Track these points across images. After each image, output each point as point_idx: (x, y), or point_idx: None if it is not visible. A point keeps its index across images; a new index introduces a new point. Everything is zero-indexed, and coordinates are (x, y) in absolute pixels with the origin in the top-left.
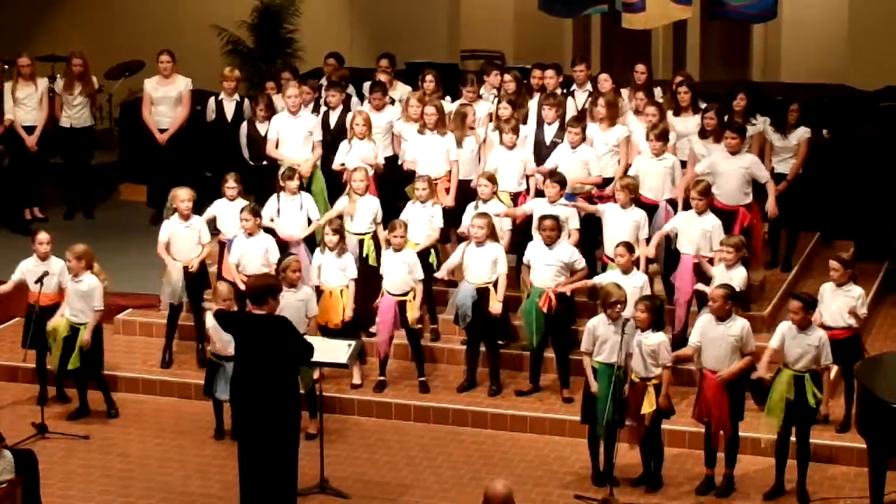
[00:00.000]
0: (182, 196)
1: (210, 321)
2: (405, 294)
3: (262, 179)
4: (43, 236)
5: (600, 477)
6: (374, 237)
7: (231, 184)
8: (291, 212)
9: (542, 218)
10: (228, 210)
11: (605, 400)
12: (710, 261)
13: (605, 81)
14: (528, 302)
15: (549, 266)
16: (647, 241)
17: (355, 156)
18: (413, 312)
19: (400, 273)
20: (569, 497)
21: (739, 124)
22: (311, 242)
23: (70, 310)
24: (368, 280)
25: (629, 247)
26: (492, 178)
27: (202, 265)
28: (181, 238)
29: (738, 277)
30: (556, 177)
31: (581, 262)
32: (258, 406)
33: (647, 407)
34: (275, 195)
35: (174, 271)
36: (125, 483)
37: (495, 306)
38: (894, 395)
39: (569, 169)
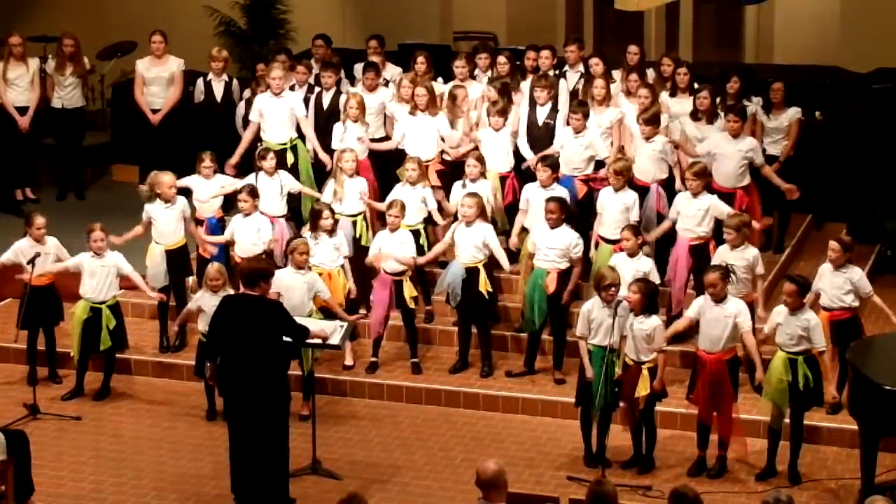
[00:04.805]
0: (168, 181)
1: (192, 304)
2: (401, 273)
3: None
4: (40, 220)
5: (592, 458)
6: (366, 217)
7: (207, 163)
8: (270, 191)
9: (548, 200)
10: (204, 188)
11: (599, 382)
12: (707, 241)
13: (597, 66)
14: (530, 283)
15: (551, 249)
16: (638, 223)
17: (350, 138)
18: (410, 291)
19: (397, 252)
20: (561, 478)
21: (741, 107)
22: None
23: (94, 290)
24: (362, 261)
25: (635, 230)
26: (480, 158)
27: (184, 248)
28: (164, 221)
29: (752, 258)
30: (547, 160)
31: (579, 250)
32: (248, 388)
33: (642, 390)
34: (253, 174)
35: (156, 254)
36: (117, 464)
37: (503, 261)
38: (886, 376)
39: (572, 153)
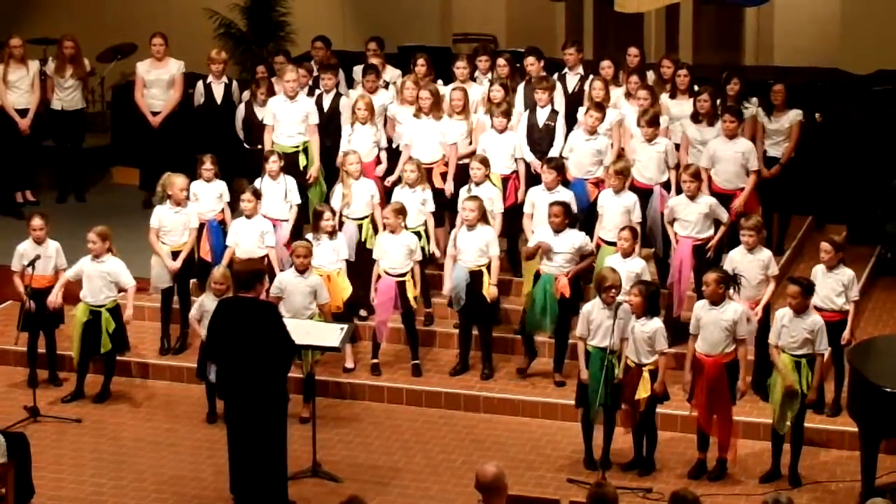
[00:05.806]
0: (180, 184)
1: (194, 310)
2: (404, 275)
3: (257, 162)
4: (37, 222)
5: (593, 461)
6: (373, 220)
7: (208, 165)
8: (274, 194)
9: (551, 204)
10: (205, 191)
11: (598, 384)
12: (705, 243)
13: (609, 68)
14: (539, 289)
15: (560, 254)
16: (641, 224)
17: (358, 140)
18: (413, 293)
19: (399, 254)
20: (561, 480)
21: (737, 107)
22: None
23: (90, 292)
24: (367, 264)
25: (633, 231)
26: (484, 161)
27: (190, 251)
28: (172, 223)
29: (766, 258)
30: (553, 163)
31: (590, 245)
32: (246, 390)
33: (643, 392)
34: (259, 177)
35: (163, 256)
36: (117, 467)
37: (491, 290)
38: (886, 378)
39: (582, 155)
